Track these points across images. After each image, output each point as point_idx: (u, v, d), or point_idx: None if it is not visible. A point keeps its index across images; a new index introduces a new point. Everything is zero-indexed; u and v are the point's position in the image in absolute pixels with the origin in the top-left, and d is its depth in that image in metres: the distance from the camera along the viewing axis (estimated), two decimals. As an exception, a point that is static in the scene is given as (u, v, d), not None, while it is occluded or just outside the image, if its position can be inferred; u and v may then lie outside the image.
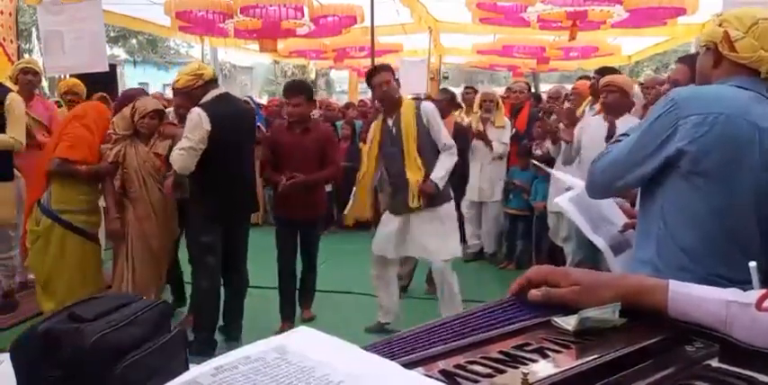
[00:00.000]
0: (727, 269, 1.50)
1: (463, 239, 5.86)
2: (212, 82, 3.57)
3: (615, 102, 3.71)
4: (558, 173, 2.89)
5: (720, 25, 1.62)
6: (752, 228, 1.55)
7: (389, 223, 3.84)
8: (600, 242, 2.18)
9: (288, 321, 4.08)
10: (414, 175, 3.63)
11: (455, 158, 3.72)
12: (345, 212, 4.82)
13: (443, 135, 3.71)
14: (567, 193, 2.38)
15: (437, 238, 3.71)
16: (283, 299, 4.14)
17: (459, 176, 4.44)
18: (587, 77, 5.47)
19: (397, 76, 3.83)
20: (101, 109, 3.89)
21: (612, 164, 1.74)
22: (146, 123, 3.58)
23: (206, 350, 3.48)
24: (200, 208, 3.56)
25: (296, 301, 4.21)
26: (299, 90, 3.93)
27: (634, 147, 1.66)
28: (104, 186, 3.60)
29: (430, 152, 3.68)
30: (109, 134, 3.61)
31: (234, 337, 3.76)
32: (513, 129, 5.58)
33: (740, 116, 1.53)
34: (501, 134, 5.41)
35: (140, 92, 4.31)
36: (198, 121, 3.36)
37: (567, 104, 4.98)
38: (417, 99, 4.22)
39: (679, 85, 2.96)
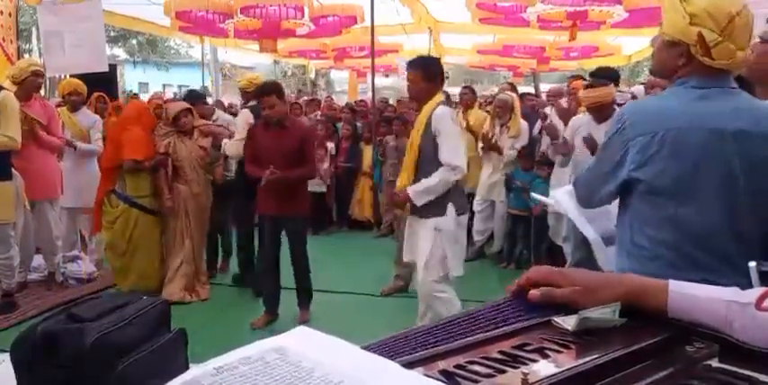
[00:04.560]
0: (701, 274, 1.43)
1: (469, 238, 5.94)
2: None
3: (603, 112, 3.85)
4: (558, 195, 2.57)
5: (692, 22, 1.46)
6: (724, 231, 1.49)
7: None
8: (590, 233, 2.17)
9: (268, 314, 4.10)
10: (401, 180, 3.42)
11: (450, 178, 3.23)
12: None
13: (446, 149, 3.23)
14: (565, 187, 2.37)
15: (416, 250, 3.46)
16: (264, 293, 4.19)
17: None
18: (581, 77, 5.53)
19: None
20: (144, 107, 4.96)
21: (586, 179, 1.76)
22: (182, 122, 4.48)
23: (238, 282, 4.95)
24: (242, 185, 4.64)
25: (278, 295, 4.18)
26: (269, 91, 3.97)
27: (596, 165, 1.67)
28: (158, 173, 4.50)
29: (435, 162, 3.26)
30: (160, 127, 4.57)
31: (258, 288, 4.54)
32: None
33: (696, 127, 1.47)
34: (514, 141, 5.40)
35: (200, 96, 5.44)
36: (245, 118, 4.51)
37: (563, 101, 5.03)
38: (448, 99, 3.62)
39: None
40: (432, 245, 3.34)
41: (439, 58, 3.61)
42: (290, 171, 3.90)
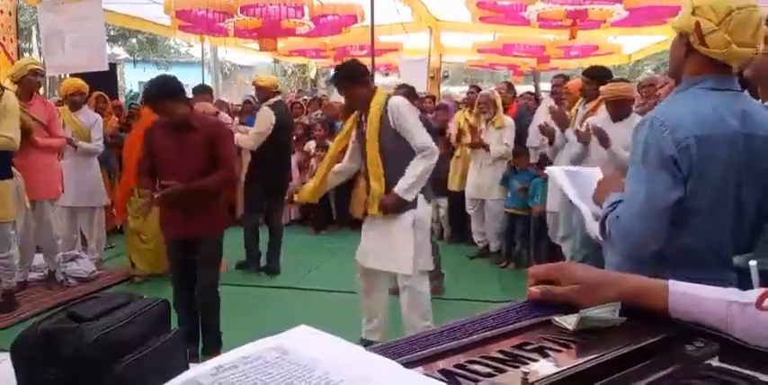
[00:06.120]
0: (701, 272, 1.41)
1: (469, 236, 5.95)
2: (278, 92, 5.42)
3: (623, 109, 3.87)
4: (554, 169, 2.56)
5: (694, 13, 1.52)
6: (727, 232, 1.52)
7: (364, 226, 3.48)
8: (583, 207, 2.17)
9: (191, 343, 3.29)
10: (377, 184, 3.23)
11: (431, 161, 3.17)
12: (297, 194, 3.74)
13: (416, 134, 3.15)
14: (562, 166, 2.35)
15: (386, 249, 3.29)
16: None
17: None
18: (564, 77, 5.55)
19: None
20: None
21: (639, 204, 1.55)
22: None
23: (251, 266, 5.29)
24: (256, 178, 5.18)
25: (199, 339, 3.37)
26: (156, 97, 3.18)
27: (645, 192, 1.52)
28: None
29: (401, 155, 3.17)
30: None
31: (276, 271, 5.21)
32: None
33: (722, 132, 1.50)
34: (501, 134, 5.40)
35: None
36: (268, 116, 5.01)
37: (551, 102, 5.06)
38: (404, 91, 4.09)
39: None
40: (413, 240, 3.24)
41: (354, 60, 3.48)
42: (199, 180, 3.17)
